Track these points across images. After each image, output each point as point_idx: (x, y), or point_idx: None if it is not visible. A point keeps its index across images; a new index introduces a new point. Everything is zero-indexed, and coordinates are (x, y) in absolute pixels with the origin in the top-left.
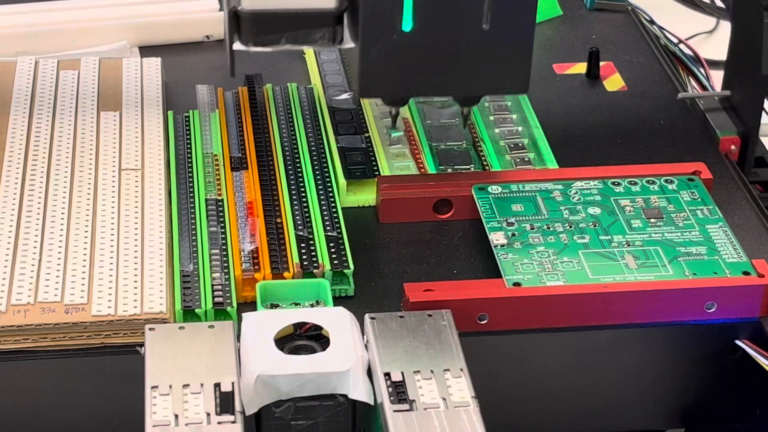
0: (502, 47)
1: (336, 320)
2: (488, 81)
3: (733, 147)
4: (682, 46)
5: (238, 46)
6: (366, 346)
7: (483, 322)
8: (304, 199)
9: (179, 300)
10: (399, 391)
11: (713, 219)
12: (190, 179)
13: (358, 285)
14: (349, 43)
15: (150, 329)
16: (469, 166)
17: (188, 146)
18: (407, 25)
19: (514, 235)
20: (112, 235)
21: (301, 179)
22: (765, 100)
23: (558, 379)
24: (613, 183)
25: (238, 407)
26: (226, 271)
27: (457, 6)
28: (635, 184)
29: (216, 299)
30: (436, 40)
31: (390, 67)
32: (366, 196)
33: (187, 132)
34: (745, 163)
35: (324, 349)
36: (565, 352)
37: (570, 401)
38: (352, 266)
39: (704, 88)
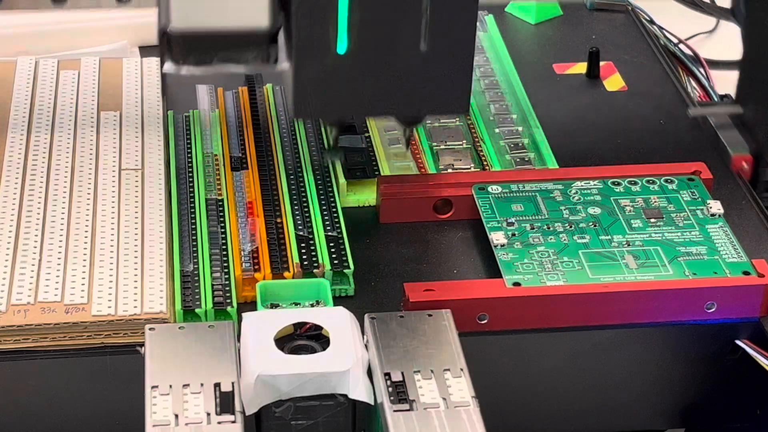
0: (441, 68)
1: (336, 320)
2: (426, 102)
3: (745, 165)
4: (682, 46)
5: (168, 67)
6: (366, 346)
7: (483, 322)
8: (304, 199)
9: (179, 300)
10: (399, 391)
11: (713, 219)
12: (190, 179)
13: (358, 285)
14: (284, 63)
15: (150, 329)
16: (469, 166)
17: (188, 146)
18: (342, 47)
19: (514, 235)
20: (112, 235)
21: (301, 179)
22: None
23: (558, 379)
24: (613, 183)
25: (238, 407)
26: (226, 271)
27: (394, 26)
28: (635, 184)
29: (216, 299)
30: (372, 61)
31: (324, 88)
32: (366, 196)
33: (187, 132)
34: (757, 183)
35: (324, 349)
36: (565, 352)
37: (570, 401)
38: (352, 266)
39: (704, 88)
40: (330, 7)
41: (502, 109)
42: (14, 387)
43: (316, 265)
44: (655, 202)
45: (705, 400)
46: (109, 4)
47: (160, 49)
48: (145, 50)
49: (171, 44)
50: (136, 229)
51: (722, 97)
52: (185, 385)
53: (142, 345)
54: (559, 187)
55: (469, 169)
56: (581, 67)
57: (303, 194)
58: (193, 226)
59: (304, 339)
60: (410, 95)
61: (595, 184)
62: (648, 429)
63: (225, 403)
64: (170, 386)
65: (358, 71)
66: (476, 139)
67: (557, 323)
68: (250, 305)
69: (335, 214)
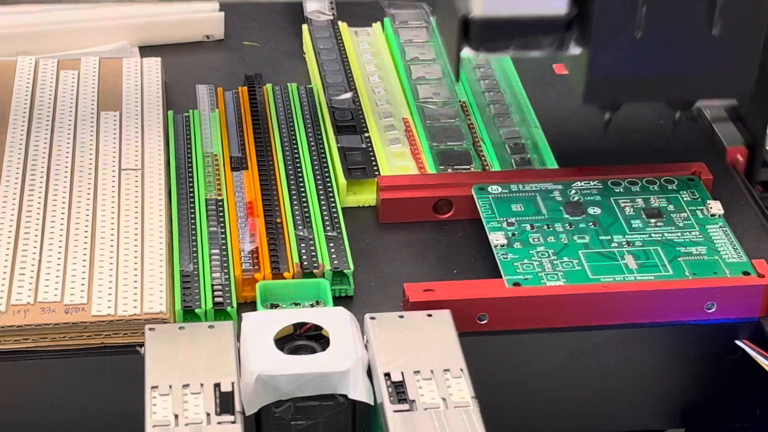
0: (729, 53)
1: (336, 320)
2: (710, 86)
3: (739, 157)
4: None
5: (467, 52)
6: (366, 346)
7: (483, 322)
8: (304, 199)
9: (179, 300)
10: (399, 391)
11: (713, 219)
12: (190, 179)
13: (358, 285)
14: (574, 50)
15: (150, 329)
16: (469, 166)
17: (188, 146)
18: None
19: (514, 235)
20: (112, 235)
21: (301, 179)
22: None
23: (558, 379)
24: (613, 183)
25: (238, 407)
26: (226, 271)
27: (688, 10)
28: (635, 184)
29: (216, 299)
30: (665, 45)
31: (617, 74)
32: (366, 196)
33: (187, 132)
34: (752, 174)
35: (324, 349)
36: (565, 352)
37: (570, 401)
38: (352, 266)
39: None
40: None
41: (502, 109)
42: (14, 387)
43: (316, 265)
44: (655, 202)
45: (705, 400)
46: None
47: (457, 34)
48: (145, 50)
49: (471, 30)
50: (136, 229)
51: None
52: (185, 385)
53: (141, 345)
54: (559, 187)
55: (469, 169)
56: None
57: (303, 194)
58: (193, 226)
59: (304, 339)
60: (695, 79)
61: (595, 184)
62: (648, 429)
63: (225, 403)
64: (170, 386)
65: (650, 55)
66: (476, 139)
67: (557, 323)
68: (250, 305)
69: (335, 214)
